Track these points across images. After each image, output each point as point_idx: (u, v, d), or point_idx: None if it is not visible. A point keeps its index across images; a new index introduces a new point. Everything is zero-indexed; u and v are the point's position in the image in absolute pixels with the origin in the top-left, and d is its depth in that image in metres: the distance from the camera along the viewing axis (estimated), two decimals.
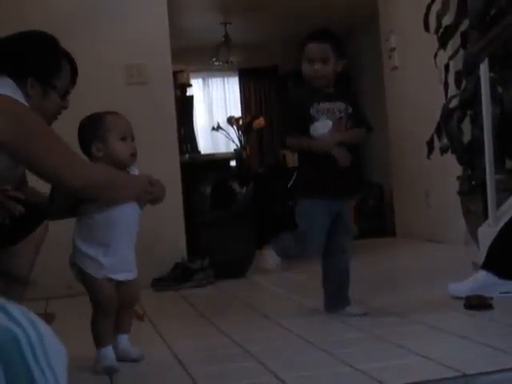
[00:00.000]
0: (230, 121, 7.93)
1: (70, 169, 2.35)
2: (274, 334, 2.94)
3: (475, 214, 4.39)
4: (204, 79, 10.87)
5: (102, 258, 2.52)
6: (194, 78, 10.08)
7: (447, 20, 4.60)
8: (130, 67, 4.71)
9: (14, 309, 0.90)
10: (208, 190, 5.05)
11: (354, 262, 3.11)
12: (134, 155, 2.59)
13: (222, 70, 10.41)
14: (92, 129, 2.58)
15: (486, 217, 3.93)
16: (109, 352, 2.53)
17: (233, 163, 7.14)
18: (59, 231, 4.49)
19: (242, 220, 4.96)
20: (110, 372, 2.47)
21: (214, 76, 10.91)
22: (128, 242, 2.62)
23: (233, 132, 7.90)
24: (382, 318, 3.11)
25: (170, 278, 4.53)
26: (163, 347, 2.86)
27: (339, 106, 3.12)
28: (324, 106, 3.10)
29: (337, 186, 3.09)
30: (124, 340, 2.65)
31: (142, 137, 4.65)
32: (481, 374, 2.13)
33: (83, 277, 2.55)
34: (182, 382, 2.32)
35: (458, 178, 4.71)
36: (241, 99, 10.97)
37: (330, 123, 3.09)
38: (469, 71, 4.34)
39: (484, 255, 3.46)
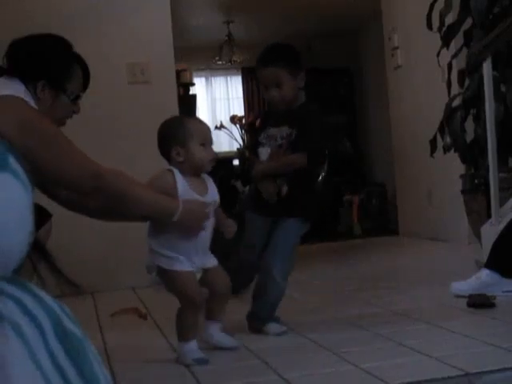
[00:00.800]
0: (233, 120, 7.93)
1: (82, 171, 2.34)
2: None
3: (478, 213, 4.39)
4: (207, 78, 10.87)
5: (184, 255, 2.53)
6: (197, 76, 10.09)
7: (450, 18, 4.60)
8: (133, 66, 4.71)
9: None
10: None
11: (357, 261, 3.11)
12: (212, 161, 2.59)
13: (225, 68, 10.41)
14: (173, 133, 2.60)
15: (488, 215, 3.93)
16: (195, 346, 2.54)
17: (236, 162, 7.14)
18: (62, 232, 4.51)
19: (245, 219, 4.96)
20: (201, 363, 2.47)
21: (217, 75, 10.91)
22: (208, 233, 2.62)
23: (236, 131, 7.90)
24: (385, 316, 3.11)
25: None
26: (166, 346, 2.86)
27: (283, 131, 2.92)
28: (271, 131, 2.96)
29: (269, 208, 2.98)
30: (216, 329, 2.67)
31: (144, 136, 4.69)
32: (483, 372, 2.13)
33: (166, 276, 2.54)
34: (185, 381, 2.32)
35: (461, 176, 4.71)
36: (244, 98, 10.96)
37: (268, 151, 2.94)
38: (472, 70, 4.33)
39: (487, 254, 3.46)
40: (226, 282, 2.65)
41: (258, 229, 3.04)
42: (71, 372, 0.83)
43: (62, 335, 0.86)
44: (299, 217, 2.96)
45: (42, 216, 2.89)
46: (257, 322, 2.97)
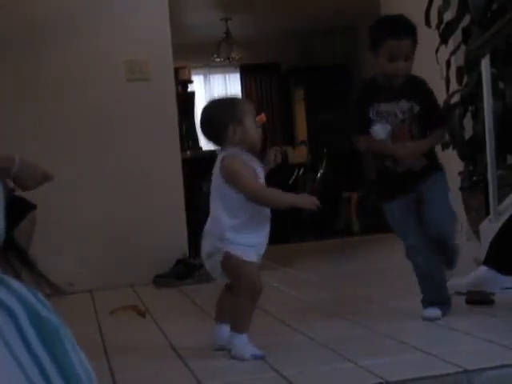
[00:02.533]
0: None
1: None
2: (275, 330, 2.94)
3: (476, 210, 4.39)
4: (205, 75, 10.87)
5: (255, 241, 2.52)
6: (196, 74, 10.07)
7: (448, 16, 4.60)
8: (132, 63, 4.70)
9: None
10: (209, 186, 5.04)
11: (356, 258, 3.10)
12: (261, 140, 2.59)
13: (223, 66, 10.41)
14: (229, 112, 2.54)
15: (487, 212, 3.93)
16: (247, 339, 2.49)
17: None
18: (60, 229, 4.51)
19: None
20: (257, 358, 2.43)
21: (216, 72, 10.91)
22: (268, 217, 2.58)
23: None
24: (384, 313, 3.11)
25: (171, 275, 4.53)
26: (165, 343, 2.86)
27: (402, 106, 2.82)
28: (385, 107, 2.82)
29: (400, 185, 2.89)
30: (226, 329, 2.62)
31: (143, 133, 4.69)
32: (482, 369, 2.13)
33: (234, 263, 2.49)
34: (184, 378, 2.32)
35: (460, 173, 4.71)
36: (242, 96, 10.95)
37: (389, 128, 2.82)
38: (470, 67, 4.33)
39: (485, 251, 3.45)
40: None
41: (407, 212, 2.90)
42: (46, 359, 0.83)
43: (37, 322, 0.86)
44: (438, 169, 2.91)
45: (25, 208, 2.92)
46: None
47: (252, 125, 2.54)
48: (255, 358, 2.43)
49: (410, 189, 2.88)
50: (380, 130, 2.83)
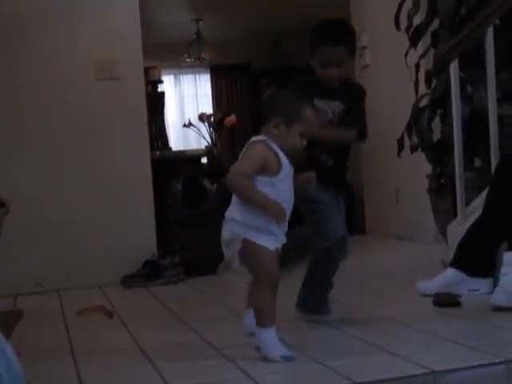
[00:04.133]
0: (202, 118, 7.90)
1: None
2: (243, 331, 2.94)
3: (444, 212, 4.42)
4: (175, 76, 10.84)
5: (275, 228, 2.43)
6: (166, 74, 10.05)
7: (418, 19, 4.63)
8: (101, 62, 4.68)
9: None
10: (179, 186, 5.03)
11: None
12: (300, 153, 2.49)
13: (194, 66, 10.38)
14: (289, 106, 2.47)
15: (455, 215, 3.96)
16: (275, 335, 2.41)
17: (204, 160, 7.12)
18: (30, 228, 4.48)
19: (213, 217, 4.95)
20: (289, 360, 2.36)
21: (186, 73, 10.89)
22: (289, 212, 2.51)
23: (204, 129, 7.87)
24: (351, 315, 3.12)
25: (140, 275, 4.51)
26: (132, 344, 2.85)
27: (335, 106, 2.87)
28: (318, 103, 2.80)
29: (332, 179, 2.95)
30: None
31: (112, 133, 4.67)
32: (449, 370, 2.14)
33: (252, 252, 2.41)
34: (152, 380, 2.31)
35: (428, 176, 4.74)
36: (212, 96, 10.95)
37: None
38: (439, 70, 4.36)
39: (453, 253, 3.48)
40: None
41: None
42: None
43: None
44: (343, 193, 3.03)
45: None
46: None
47: (296, 133, 2.45)
48: (286, 359, 2.37)
49: (340, 187, 3.01)
50: None
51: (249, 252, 2.43)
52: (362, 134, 2.95)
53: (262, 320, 2.42)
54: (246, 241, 2.42)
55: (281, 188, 2.43)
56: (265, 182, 2.41)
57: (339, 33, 2.86)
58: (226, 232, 2.47)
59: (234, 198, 2.48)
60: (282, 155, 2.43)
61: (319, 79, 2.87)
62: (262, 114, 2.55)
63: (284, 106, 2.48)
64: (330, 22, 2.95)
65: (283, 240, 2.48)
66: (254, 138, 2.48)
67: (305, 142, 2.48)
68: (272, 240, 2.43)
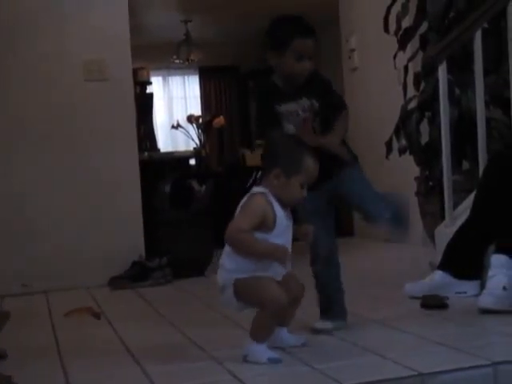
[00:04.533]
0: (190, 119, 7.91)
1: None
2: (232, 333, 2.93)
3: (432, 215, 4.44)
4: (164, 77, 10.84)
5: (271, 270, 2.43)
6: (154, 75, 10.05)
7: (407, 22, 4.64)
8: (90, 63, 4.66)
9: None
10: (167, 188, 5.02)
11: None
12: (300, 203, 2.51)
13: (183, 68, 10.38)
14: (289, 158, 2.44)
15: (442, 217, 3.97)
16: (266, 346, 2.43)
17: (192, 162, 7.13)
18: (17, 230, 4.46)
19: (201, 219, 4.95)
20: (276, 362, 2.37)
21: (175, 74, 10.88)
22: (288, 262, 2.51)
23: (192, 130, 7.88)
24: None
25: (127, 277, 4.50)
26: (120, 345, 2.84)
27: (303, 103, 2.79)
28: (286, 107, 2.78)
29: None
30: (285, 332, 2.58)
31: (100, 134, 4.66)
32: (436, 373, 2.15)
33: (246, 286, 2.41)
34: (138, 381, 2.31)
35: (416, 178, 4.75)
36: (201, 98, 10.95)
37: (291, 128, 2.77)
38: (427, 73, 4.38)
39: (440, 255, 3.49)
40: (300, 285, 2.55)
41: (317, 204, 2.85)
42: None
43: None
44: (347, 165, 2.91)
45: None
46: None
47: (297, 184, 2.43)
48: (272, 361, 2.38)
49: (323, 182, 2.75)
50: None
51: (245, 287, 2.42)
52: (343, 106, 2.88)
53: (257, 336, 2.43)
54: (237, 280, 2.42)
55: (279, 243, 2.43)
56: (260, 238, 2.40)
57: (310, 25, 2.86)
58: (219, 278, 2.49)
59: (226, 247, 2.47)
60: (278, 211, 2.43)
61: (280, 81, 2.81)
62: (262, 160, 2.54)
63: (284, 156, 2.45)
64: (295, 16, 2.93)
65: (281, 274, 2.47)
66: (254, 190, 2.46)
67: (305, 193, 2.47)
68: (263, 272, 2.43)
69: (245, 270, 2.41)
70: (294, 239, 2.53)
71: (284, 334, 2.59)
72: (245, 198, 2.45)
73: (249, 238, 2.38)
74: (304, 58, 2.76)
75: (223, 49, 10.17)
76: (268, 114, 2.81)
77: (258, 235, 2.40)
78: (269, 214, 2.40)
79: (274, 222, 2.41)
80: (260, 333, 2.43)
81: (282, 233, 2.44)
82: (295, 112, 2.79)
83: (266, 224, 2.40)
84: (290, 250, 2.47)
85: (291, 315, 2.59)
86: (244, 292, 2.43)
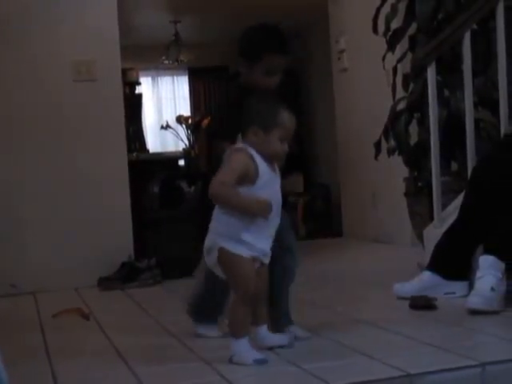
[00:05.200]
0: (179, 120, 7.89)
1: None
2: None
3: (421, 216, 4.44)
4: (153, 78, 10.81)
5: (251, 239, 2.43)
6: (144, 76, 10.01)
7: (396, 23, 4.65)
8: (79, 63, 4.66)
9: None
10: (156, 188, 5.02)
11: (301, 262, 3.10)
12: (282, 158, 2.50)
13: (172, 68, 10.36)
14: (263, 115, 2.47)
15: (431, 218, 3.98)
16: (249, 343, 2.42)
17: (181, 162, 7.12)
18: (6, 229, 4.45)
19: (190, 219, 4.94)
20: (262, 363, 2.36)
21: (164, 74, 10.86)
22: (275, 220, 2.50)
23: (182, 131, 7.86)
24: (328, 317, 3.13)
25: (116, 277, 4.49)
26: (109, 346, 2.84)
27: None
28: None
29: None
30: (264, 330, 2.57)
31: (89, 134, 4.65)
32: (425, 373, 2.16)
33: (228, 260, 2.42)
34: (128, 382, 2.30)
35: (405, 179, 4.76)
36: (190, 98, 10.93)
37: None
38: (416, 74, 4.38)
39: (429, 256, 3.50)
40: (266, 282, 2.54)
41: None
42: None
43: None
44: None
45: None
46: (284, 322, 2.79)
47: (276, 139, 2.45)
48: (258, 362, 2.37)
49: None
50: None
51: (224, 260, 2.45)
52: None
53: (236, 331, 2.44)
54: (221, 249, 2.44)
55: (264, 197, 2.43)
56: (243, 192, 2.42)
57: (285, 41, 2.82)
58: (207, 240, 2.50)
59: (216, 209, 2.49)
60: (260, 163, 2.44)
61: (253, 87, 2.78)
62: (240, 123, 2.53)
63: (260, 113, 2.48)
64: (274, 28, 2.86)
65: (262, 250, 2.46)
66: (235, 146, 2.48)
67: (286, 147, 2.48)
68: (245, 248, 2.43)
69: (232, 234, 2.42)
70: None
71: (265, 334, 2.57)
72: (225, 156, 2.47)
73: (231, 190, 2.40)
74: (272, 74, 2.76)
75: (212, 49, 10.16)
76: (232, 126, 2.71)
77: (242, 190, 2.41)
78: (250, 165, 2.42)
79: (257, 172, 2.42)
80: (238, 325, 2.44)
81: (265, 184, 2.44)
82: None
83: (248, 176, 2.42)
84: (279, 203, 2.48)
85: (263, 311, 2.56)
86: (224, 263, 2.45)
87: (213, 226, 2.50)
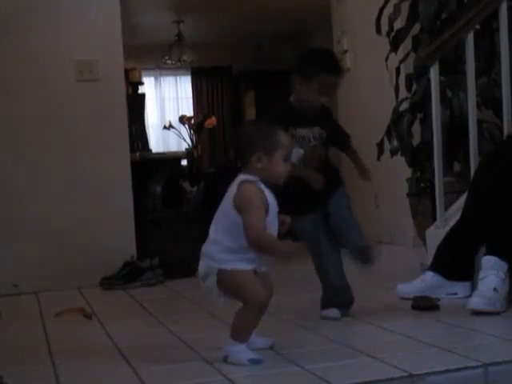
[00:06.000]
0: (182, 120, 7.90)
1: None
2: (222, 334, 2.93)
3: (423, 216, 4.44)
4: (156, 77, 10.82)
5: (248, 254, 2.43)
6: (146, 76, 10.03)
7: (399, 23, 4.65)
8: (82, 63, 4.66)
9: None
10: (159, 188, 5.02)
11: (303, 263, 3.10)
12: (285, 178, 2.50)
13: (175, 68, 10.37)
14: (263, 139, 2.46)
15: (434, 218, 3.98)
16: (245, 347, 2.43)
17: (184, 162, 7.12)
18: (7, 230, 4.45)
19: (192, 219, 4.94)
20: (256, 363, 2.37)
21: (167, 74, 10.87)
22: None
23: (184, 131, 7.87)
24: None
25: (118, 277, 4.49)
26: (111, 346, 2.84)
27: (315, 132, 3.05)
28: (301, 132, 3.01)
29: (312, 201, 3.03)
30: (255, 334, 2.57)
31: (92, 134, 4.65)
32: (427, 374, 2.15)
33: (229, 279, 2.41)
34: (130, 382, 2.30)
35: (407, 179, 4.75)
36: (193, 98, 10.94)
37: (301, 152, 2.95)
38: (419, 75, 4.38)
39: (432, 256, 3.50)
40: (270, 290, 2.52)
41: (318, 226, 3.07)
42: None
43: None
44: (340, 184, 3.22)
45: None
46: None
47: (280, 159, 2.45)
48: (253, 362, 2.38)
49: (321, 205, 3.06)
50: (293, 154, 2.81)
51: (226, 280, 2.43)
52: (348, 143, 3.31)
53: (238, 336, 2.44)
54: (220, 271, 2.42)
55: (271, 228, 2.44)
56: None
57: (338, 64, 3.04)
58: (202, 266, 2.48)
59: (211, 233, 2.49)
60: (269, 196, 2.44)
61: (297, 105, 3.02)
62: (238, 154, 2.55)
63: (260, 139, 2.47)
64: (329, 52, 3.15)
65: (259, 261, 2.47)
66: (242, 178, 2.46)
67: (289, 166, 2.49)
68: (246, 263, 2.43)
69: (232, 259, 2.42)
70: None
71: (254, 337, 2.56)
72: (233, 188, 2.45)
73: (271, 237, 2.42)
74: (324, 93, 2.97)
75: (215, 49, 10.17)
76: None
77: None
78: (264, 198, 2.43)
79: (267, 207, 2.43)
80: (242, 332, 2.44)
81: (273, 218, 2.46)
82: (307, 138, 3.03)
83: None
84: (276, 228, 2.49)
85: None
86: (227, 284, 2.43)
87: (208, 250, 2.47)
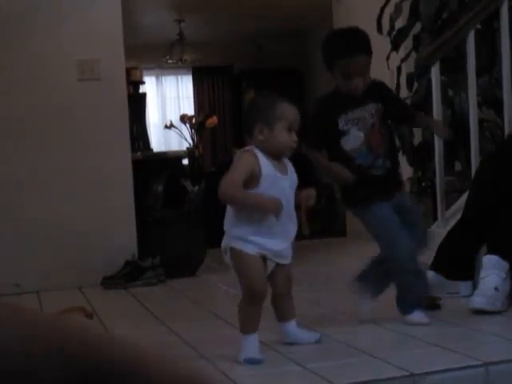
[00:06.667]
0: (183, 119, 7.89)
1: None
2: (223, 333, 2.94)
3: (425, 215, 4.44)
4: (157, 77, 10.82)
5: (259, 239, 2.44)
6: (147, 75, 10.04)
7: (400, 23, 4.65)
8: (83, 63, 4.66)
9: None
10: (160, 188, 5.02)
11: (304, 262, 3.10)
12: (292, 148, 2.52)
13: (176, 67, 10.37)
14: (262, 111, 2.49)
15: (435, 218, 3.98)
16: (254, 341, 2.43)
17: (185, 161, 7.12)
18: (7, 229, 4.45)
19: (194, 219, 4.95)
20: (252, 363, 2.37)
21: (168, 74, 10.87)
22: (287, 224, 2.53)
23: (185, 130, 7.87)
24: (332, 317, 3.13)
25: (120, 276, 4.49)
26: None
27: (370, 108, 2.84)
28: (354, 114, 2.82)
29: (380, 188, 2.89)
30: (291, 326, 2.59)
31: (93, 133, 4.66)
32: (428, 373, 2.16)
33: (236, 257, 2.45)
34: None
35: (408, 179, 4.76)
36: (194, 97, 10.94)
37: (361, 135, 2.81)
38: (420, 74, 4.38)
39: (433, 256, 3.50)
40: (287, 282, 2.57)
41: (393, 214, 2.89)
42: None
43: None
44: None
45: None
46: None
47: (281, 130, 2.46)
48: (248, 362, 2.38)
49: (391, 193, 2.90)
50: (350, 140, 2.82)
51: (234, 259, 2.47)
52: (411, 112, 3.08)
53: (242, 327, 2.47)
54: (231, 249, 2.46)
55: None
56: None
57: (355, 41, 2.82)
58: (223, 241, 2.52)
59: (227, 209, 2.51)
60: (265, 165, 2.45)
61: (343, 88, 2.83)
62: (244, 128, 2.57)
63: (260, 110, 2.50)
64: (343, 32, 2.94)
65: (272, 250, 2.47)
66: (243, 148, 2.51)
67: (294, 137, 2.49)
68: (253, 247, 2.44)
69: (240, 234, 2.44)
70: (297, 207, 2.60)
71: (294, 330, 2.59)
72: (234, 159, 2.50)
73: (239, 189, 2.42)
74: (352, 76, 2.77)
75: (216, 49, 10.17)
76: (316, 133, 2.88)
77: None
78: (255, 165, 2.44)
79: (260, 173, 2.44)
80: (242, 321, 2.47)
81: (270, 185, 2.45)
82: (363, 118, 2.82)
83: (253, 176, 2.43)
84: (289, 205, 2.51)
85: (286, 309, 2.60)
86: (234, 262, 2.48)
87: (225, 227, 2.51)
